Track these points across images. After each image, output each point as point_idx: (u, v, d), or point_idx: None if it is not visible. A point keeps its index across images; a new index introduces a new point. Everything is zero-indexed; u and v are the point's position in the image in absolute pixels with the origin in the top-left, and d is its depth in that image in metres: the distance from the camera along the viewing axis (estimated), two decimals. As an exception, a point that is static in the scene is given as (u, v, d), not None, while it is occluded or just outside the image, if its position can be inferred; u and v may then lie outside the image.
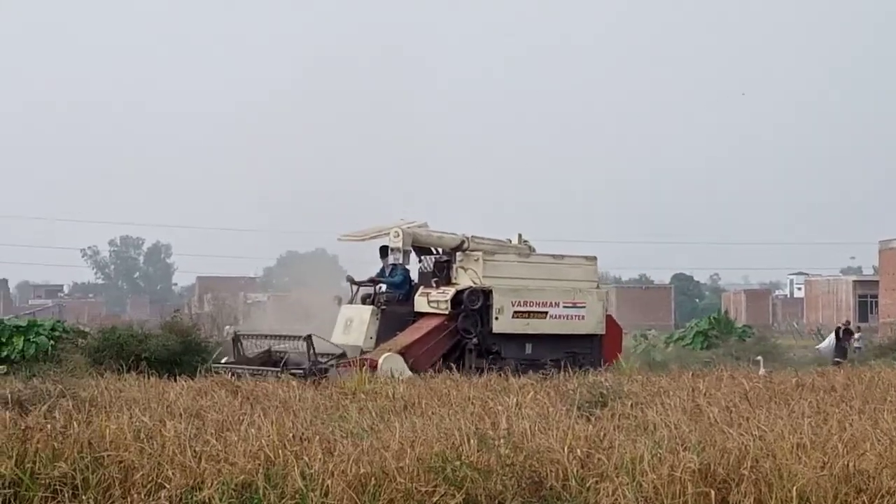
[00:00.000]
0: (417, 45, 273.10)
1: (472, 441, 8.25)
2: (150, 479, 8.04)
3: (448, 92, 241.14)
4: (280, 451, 8.18)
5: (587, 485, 7.35)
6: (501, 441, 8.26)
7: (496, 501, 7.24)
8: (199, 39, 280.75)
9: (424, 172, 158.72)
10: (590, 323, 24.42)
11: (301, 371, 19.30)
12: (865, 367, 23.19)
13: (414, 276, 24.59)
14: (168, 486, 7.77)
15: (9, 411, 10.93)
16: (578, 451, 8.05)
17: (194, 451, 8.42)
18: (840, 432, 8.86)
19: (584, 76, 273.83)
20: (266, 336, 22.60)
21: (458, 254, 23.99)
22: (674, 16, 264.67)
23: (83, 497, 8.24)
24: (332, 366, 20.33)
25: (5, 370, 24.44)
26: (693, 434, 8.92)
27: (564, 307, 24.04)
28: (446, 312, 22.93)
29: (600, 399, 12.49)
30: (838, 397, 12.90)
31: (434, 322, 22.92)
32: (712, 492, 7.10)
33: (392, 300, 23.66)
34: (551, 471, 7.61)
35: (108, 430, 9.27)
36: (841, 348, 29.28)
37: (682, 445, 8.20)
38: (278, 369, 19.35)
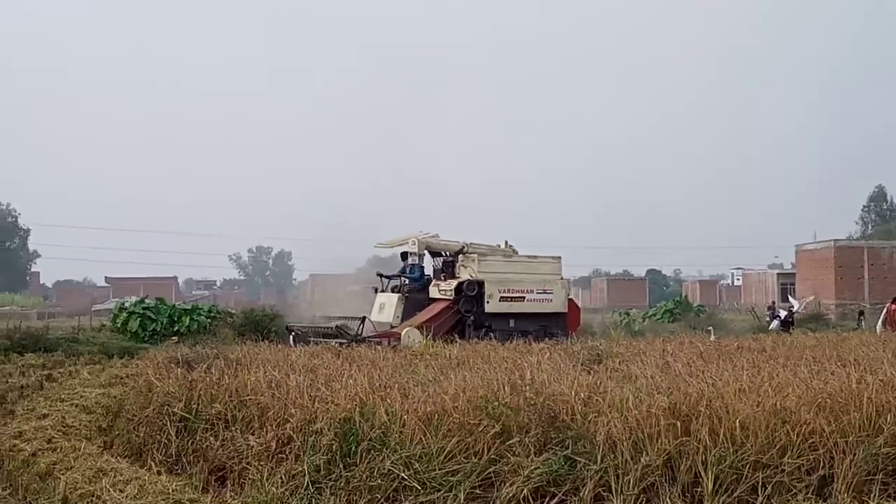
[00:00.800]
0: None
1: (505, 388, 8.33)
2: (279, 415, 8.18)
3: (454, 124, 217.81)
4: (370, 396, 8.26)
5: (588, 418, 7.36)
6: (527, 388, 8.30)
7: (524, 430, 7.25)
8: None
9: (438, 193, 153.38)
10: (556, 304, 24.95)
11: (343, 341, 19.68)
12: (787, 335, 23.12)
13: (428, 271, 25.09)
14: (291, 421, 7.91)
15: (179, 368, 11.13)
16: (582, 394, 8.07)
17: (309, 395, 8.55)
18: (769, 380, 8.83)
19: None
20: (307, 325, 23.20)
21: (459, 256, 24.68)
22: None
23: (232, 428, 8.40)
24: (363, 338, 20.67)
25: (177, 340, 24.88)
26: (663, 382, 8.90)
27: (537, 293, 24.62)
28: (451, 298, 23.59)
29: (597, 358, 12.51)
30: (767, 356, 12.81)
31: (443, 305, 23.57)
32: (678, 423, 7.08)
33: (412, 290, 24.18)
34: (562, 408, 7.61)
35: (248, 381, 9.44)
36: (787, 323, 29.42)
37: (655, 390, 8.21)
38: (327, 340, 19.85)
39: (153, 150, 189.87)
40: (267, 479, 7.09)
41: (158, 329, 29.13)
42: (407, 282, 24.30)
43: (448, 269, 24.59)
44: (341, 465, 7.00)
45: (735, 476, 6.70)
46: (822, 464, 6.86)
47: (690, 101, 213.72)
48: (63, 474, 7.54)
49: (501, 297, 23.82)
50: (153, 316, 29.80)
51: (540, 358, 11.73)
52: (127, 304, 31.95)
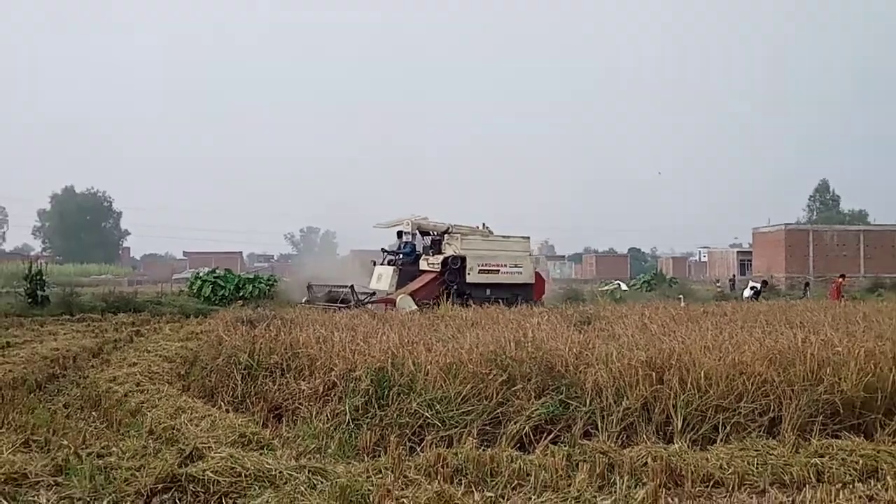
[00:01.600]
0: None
1: (511, 344, 8.31)
2: (325, 365, 8.20)
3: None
4: (400, 349, 8.28)
5: (579, 369, 7.37)
6: (529, 344, 8.30)
7: (526, 379, 7.26)
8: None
9: (432, 182, 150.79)
10: (525, 276, 24.67)
11: (349, 304, 19.89)
12: (745, 302, 23.05)
13: (419, 248, 24.79)
14: (335, 370, 7.93)
15: (244, 326, 11.20)
16: (574, 349, 8.07)
17: (350, 349, 8.57)
18: (729, 339, 8.80)
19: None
20: (327, 285, 23.15)
21: (445, 235, 24.19)
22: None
23: (286, 375, 8.43)
24: (368, 302, 20.90)
25: (242, 303, 24.98)
26: (642, 340, 8.91)
27: (510, 267, 24.39)
28: (438, 270, 23.21)
29: (587, 320, 12.49)
30: (728, 319, 12.77)
31: (431, 276, 23.22)
32: (653, 373, 7.10)
33: (406, 263, 23.90)
34: (558, 361, 7.62)
35: (300, 337, 9.48)
36: (758, 293, 29.36)
37: (635, 346, 8.20)
38: (338, 304, 19.87)
39: (222, 153, 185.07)
40: (315, 417, 7.15)
41: (226, 294, 29.30)
42: (401, 257, 24.24)
43: (435, 247, 24.30)
44: (376, 406, 7.01)
45: (700, 417, 6.74)
46: (771, 408, 6.86)
47: (669, 100, 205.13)
48: (149, 411, 7.63)
49: (480, 270, 23.68)
50: (222, 283, 30.01)
51: (539, 320, 11.72)
52: (201, 274, 32.11)
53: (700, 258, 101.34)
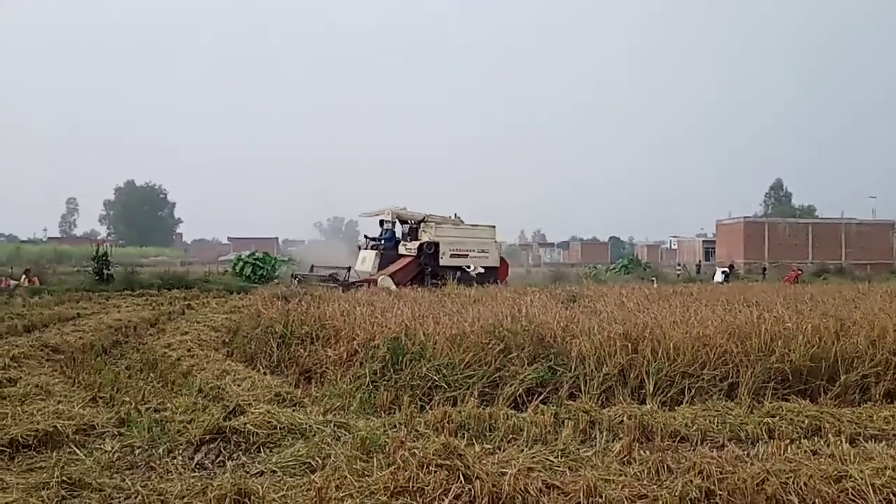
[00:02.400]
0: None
1: (508, 318, 8.32)
2: (348, 335, 8.20)
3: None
4: (412, 322, 8.32)
5: (566, 340, 7.38)
6: (523, 318, 8.30)
7: (520, 348, 7.25)
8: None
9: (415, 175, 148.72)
10: (491, 260, 24.43)
11: (336, 284, 19.63)
12: (715, 285, 22.91)
13: (398, 235, 24.49)
14: (357, 339, 7.94)
15: (279, 301, 11.22)
16: (561, 323, 8.08)
17: (370, 321, 8.57)
18: (695, 315, 8.80)
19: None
20: (309, 271, 22.85)
21: (421, 223, 23.94)
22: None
23: (315, 343, 8.43)
24: (351, 282, 20.37)
25: (277, 282, 24.98)
26: (620, 315, 8.89)
27: (478, 252, 24.18)
28: (415, 254, 23.00)
29: (573, 298, 12.46)
30: (694, 298, 12.71)
31: (408, 259, 23.04)
32: (629, 344, 7.12)
33: (387, 248, 23.59)
34: (548, 333, 7.62)
35: (327, 311, 9.49)
36: (727, 276, 29.21)
37: (614, 321, 8.20)
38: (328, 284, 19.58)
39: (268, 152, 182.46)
40: (339, 379, 7.16)
41: (264, 274, 29.40)
42: (383, 242, 23.88)
43: (413, 233, 24.02)
44: (392, 370, 7.01)
45: (669, 382, 6.72)
46: (730, 374, 6.84)
47: (651, 108, 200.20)
48: (198, 373, 7.64)
49: (451, 254, 23.38)
50: (261, 265, 30.13)
51: (532, 298, 11.72)
52: (243, 256, 32.22)
53: (671, 246, 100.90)
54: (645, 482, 4.28)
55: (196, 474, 4.59)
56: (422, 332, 7.68)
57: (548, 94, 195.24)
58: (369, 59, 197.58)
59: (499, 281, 22.87)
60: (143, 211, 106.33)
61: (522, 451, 4.89)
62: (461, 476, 4.10)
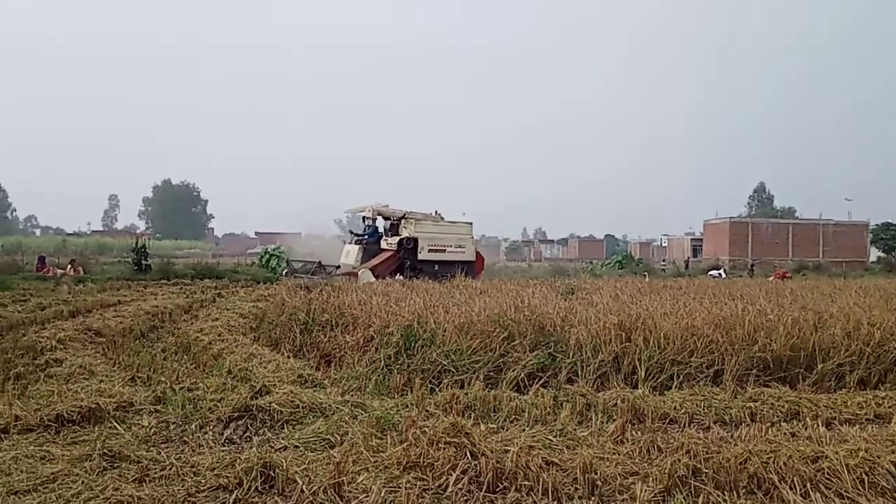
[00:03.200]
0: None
1: (511, 308, 8.29)
2: (365, 322, 8.17)
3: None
4: (424, 311, 8.30)
5: (564, 329, 7.35)
6: (525, 309, 8.28)
7: (522, 336, 7.22)
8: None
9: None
10: (467, 255, 24.01)
11: (323, 276, 19.50)
12: (696, 279, 22.79)
13: (381, 230, 24.16)
14: (373, 326, 7.91)
15: (302, 291, 11.22)
16: (560, 313, 8.05)
17: (385, 310, 8.57)
18: (684, 307, 8.76)
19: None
20: (304, 261, 22.70)
21: (402, 220, 23.52)
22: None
23: (335, 330, 8.37)
24: (335, 274, 20.40)
25: (277, 276, 24.98)
26: (614, 307, 8.85)
27: (455, 247, 23.75)
28: (395, 249, 22.63)
29: (571, 291, 12.42)
30: (683, 292, 12.66)
31: (389, 254, 22.64)
32: (623, 333, 7.08)
33: (369, 243, 23.24)
34: (548, 322, 7.60)
35: (346, 300, 9.48)
36: (720, 274, 29.11)
37: (609, 312, 8.17)
38: (315, 276, 19.54)
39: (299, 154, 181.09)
40: (356, 363, 7.13)
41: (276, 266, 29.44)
42: (366, 237, 23.54)
43: (394, 229, 23.63)
44: (404, 355, 7.00)
45: (659, 369, 6.66)
46: (716, 362, 6.77)
47: (643, 111, 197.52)
48: (228, 356, 7.65)
49: (430, 249, 23.00)
50: (286, 257, 30.17)
51: (534, 291, 11.70)
52: (269, 249, 32.32)
53: (661, 243, 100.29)
54: (637, 460, 4.28)
55: (225, 448, 4.61)
56: (432, 320, 7.67)
57: (548, 97, 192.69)
58: (382, 66, 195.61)
59: (473, 275, 22.27)
60: (178, 207, 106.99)
61: (524, 430, 4.88)
62: (468, 453, 4.10)
